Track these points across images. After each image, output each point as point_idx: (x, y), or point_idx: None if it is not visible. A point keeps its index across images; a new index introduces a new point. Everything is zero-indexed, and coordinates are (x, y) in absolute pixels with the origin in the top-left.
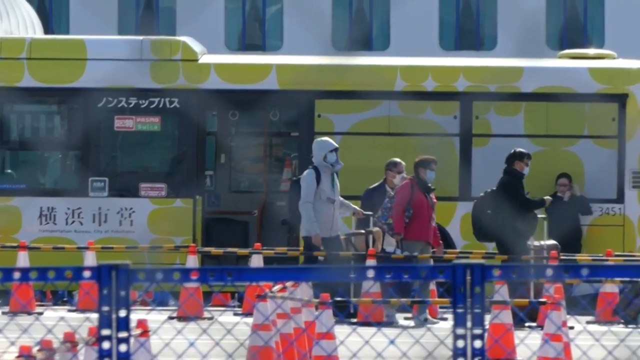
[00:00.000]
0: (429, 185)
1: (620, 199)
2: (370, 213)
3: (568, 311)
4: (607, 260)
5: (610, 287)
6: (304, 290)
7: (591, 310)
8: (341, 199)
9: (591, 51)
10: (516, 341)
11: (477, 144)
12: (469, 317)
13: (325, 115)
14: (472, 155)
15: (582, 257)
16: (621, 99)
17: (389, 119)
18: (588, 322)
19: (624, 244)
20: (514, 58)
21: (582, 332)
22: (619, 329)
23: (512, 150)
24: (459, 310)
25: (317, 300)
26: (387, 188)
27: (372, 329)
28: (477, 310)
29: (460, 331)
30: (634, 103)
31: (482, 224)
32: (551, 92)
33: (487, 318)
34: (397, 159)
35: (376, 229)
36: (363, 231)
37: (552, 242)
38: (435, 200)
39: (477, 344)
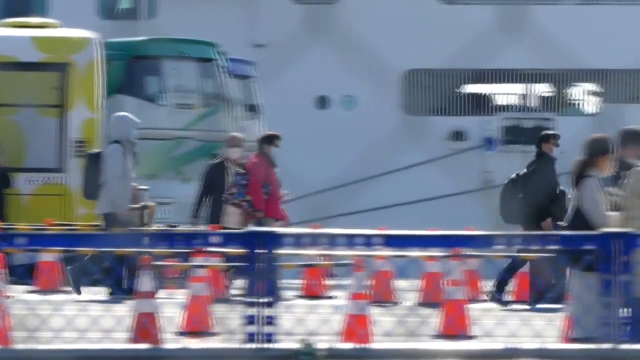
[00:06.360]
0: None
1: (61, 168)
2: (145, 187)
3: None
4: (47, 229)
5: (49, 257)
6: None
7: (28, 280)
8: None
9: (35, 20)
10: None
11: None
12: None
13: None
14: None
15: (22, 226)
16: (63, 68)
17: None
18: (28, 292)
19: (64, 213)
20: None
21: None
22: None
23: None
24: None
25: None
26: (227, 164)
27: None
28: None
29: None
30: (76, 72)
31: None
32: None
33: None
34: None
35: (152, 203)
36: (139, 205)
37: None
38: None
39: None
